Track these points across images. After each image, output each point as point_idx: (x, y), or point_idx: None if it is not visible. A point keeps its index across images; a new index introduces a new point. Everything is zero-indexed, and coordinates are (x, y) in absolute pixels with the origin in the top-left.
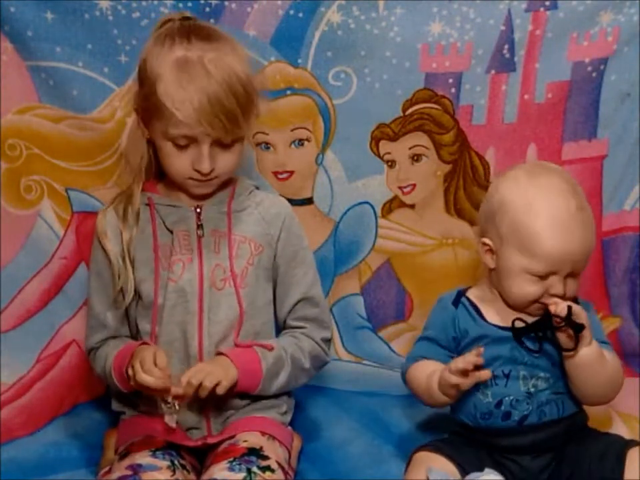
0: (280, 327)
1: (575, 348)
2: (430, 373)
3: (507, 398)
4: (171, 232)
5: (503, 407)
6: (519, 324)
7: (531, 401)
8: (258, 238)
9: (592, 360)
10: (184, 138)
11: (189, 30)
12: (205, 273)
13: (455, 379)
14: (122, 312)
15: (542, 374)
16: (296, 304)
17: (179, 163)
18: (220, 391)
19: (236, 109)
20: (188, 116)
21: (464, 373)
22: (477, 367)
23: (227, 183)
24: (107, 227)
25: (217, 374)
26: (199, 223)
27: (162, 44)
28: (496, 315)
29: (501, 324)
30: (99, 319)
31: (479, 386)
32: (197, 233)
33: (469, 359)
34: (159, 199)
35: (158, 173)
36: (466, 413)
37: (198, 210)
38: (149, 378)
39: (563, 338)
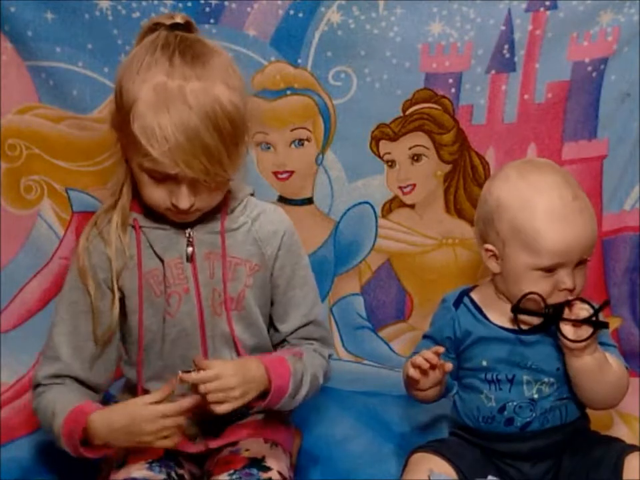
0: (275, 342)
1: (586, 339)
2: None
3: (510, 403)
4: (162, 260)
5: (506, 413)
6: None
7: (535, 408)
8: (253, 258)
9: (595, 366)
10: (160, 173)
11: (174, 47)
12: (204, 302)
13: (411, 371)
14: (79, 348)
15: (546, 379)
16: (299, 327)
17: (156, 195)
18: (220, 409)
19: (219, 147)
20: (163, 154)
21: (422, 370)
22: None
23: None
24: (94, 259)
25: (237, 392)
26: (191, 247)
27: (140, 63)
28: (500, 316)
29: (505, 325)
30: (55, 349)
31: (482, 390)
32: (189, 257)
33: (427, 355)
34: (145, 220)
35: None
36: (468, 415)
37: (188, 232)
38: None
39: (571, 330)
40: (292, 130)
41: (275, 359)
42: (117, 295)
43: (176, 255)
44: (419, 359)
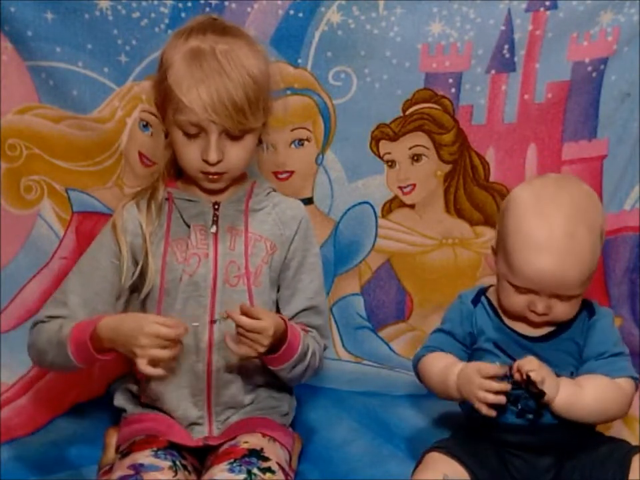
0: None
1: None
2: (448, 365)
3: (522, 396)
4: (188, 226)
5: (519, 405)
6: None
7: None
8: (273, 238)
9: (565, 406)
10: (193, 126)
11: (207, 26)
12: (219, 269)
13: (485, 410)
14: (88, 301)
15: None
16: (300, 312)
17: (189, 153)
18: (240, 352)
19: (243, 99)
20: (193, 101)
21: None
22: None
23: (245, 182)
24: (127, 222)
25: (263, 349)
26: (215, 219)
27: (179, 37)
28: (514, 323)
29: (519, 329)
30: (65, 295)
31: None
32: (213, 224)
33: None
34: (178, 193)
35: (177, 170)
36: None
37: (216, 206)
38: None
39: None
40: (292, 130)
41: (291, 324)
42: (141, 261)
43: (201, 222)
44: (491, 397)
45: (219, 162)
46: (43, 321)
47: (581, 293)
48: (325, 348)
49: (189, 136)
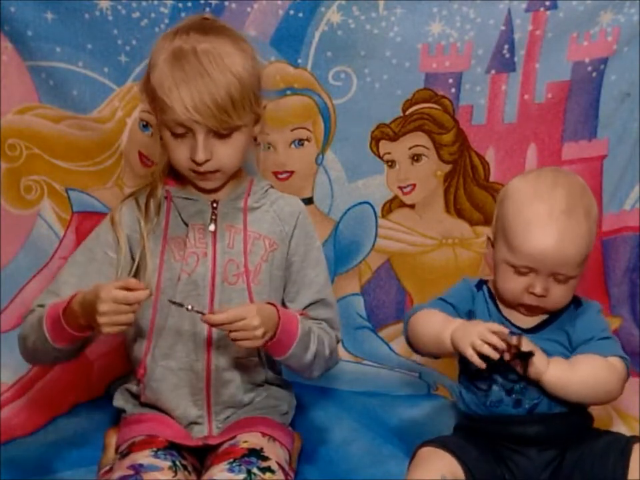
0: None
1: (525, 373)
2: (448, 317)
3: (517, 385)
4: (186, 224)
5: (513, 395)
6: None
7: (542, 389)
8: (272, 235)
9: (558, 381)
10: (178, 126)
11: (193, 25)
12: (218, 268)
13: (485, 349)
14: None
15: None
16: (308, 306)
17: (178, 152)
18: (245, 345)
19: (225, 98)
20: (175, 102)
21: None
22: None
23: (242, 180)
24: (125, 217)
25: (259, 332)
26: (214, 217)
27: (166, 38)
28: (509, 312)
29: (512, 320)
30: (58, 285)
31: (490, 375)
32: (212, 223)
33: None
34: (177, 191)
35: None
36: (476, 402)
37: (214, 204)
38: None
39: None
40: (292, 130)
41: (283, 308)
42: (138, 256)
43: (200, 221)
44: (495, 340)
45: (207, 161)
46: (33, 310)
47: (577, 275)
48: (338, 340)
49: (176, 135)
